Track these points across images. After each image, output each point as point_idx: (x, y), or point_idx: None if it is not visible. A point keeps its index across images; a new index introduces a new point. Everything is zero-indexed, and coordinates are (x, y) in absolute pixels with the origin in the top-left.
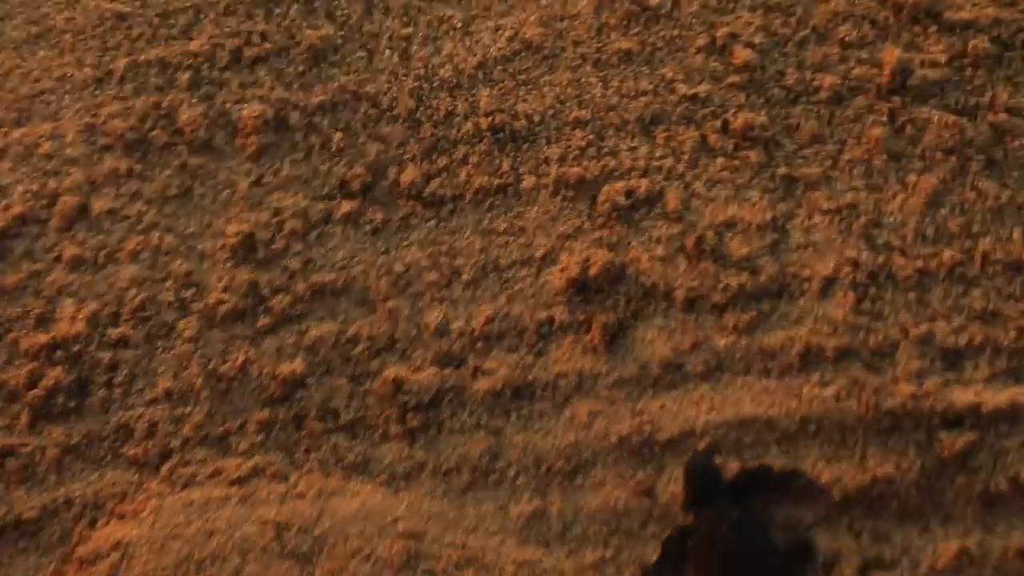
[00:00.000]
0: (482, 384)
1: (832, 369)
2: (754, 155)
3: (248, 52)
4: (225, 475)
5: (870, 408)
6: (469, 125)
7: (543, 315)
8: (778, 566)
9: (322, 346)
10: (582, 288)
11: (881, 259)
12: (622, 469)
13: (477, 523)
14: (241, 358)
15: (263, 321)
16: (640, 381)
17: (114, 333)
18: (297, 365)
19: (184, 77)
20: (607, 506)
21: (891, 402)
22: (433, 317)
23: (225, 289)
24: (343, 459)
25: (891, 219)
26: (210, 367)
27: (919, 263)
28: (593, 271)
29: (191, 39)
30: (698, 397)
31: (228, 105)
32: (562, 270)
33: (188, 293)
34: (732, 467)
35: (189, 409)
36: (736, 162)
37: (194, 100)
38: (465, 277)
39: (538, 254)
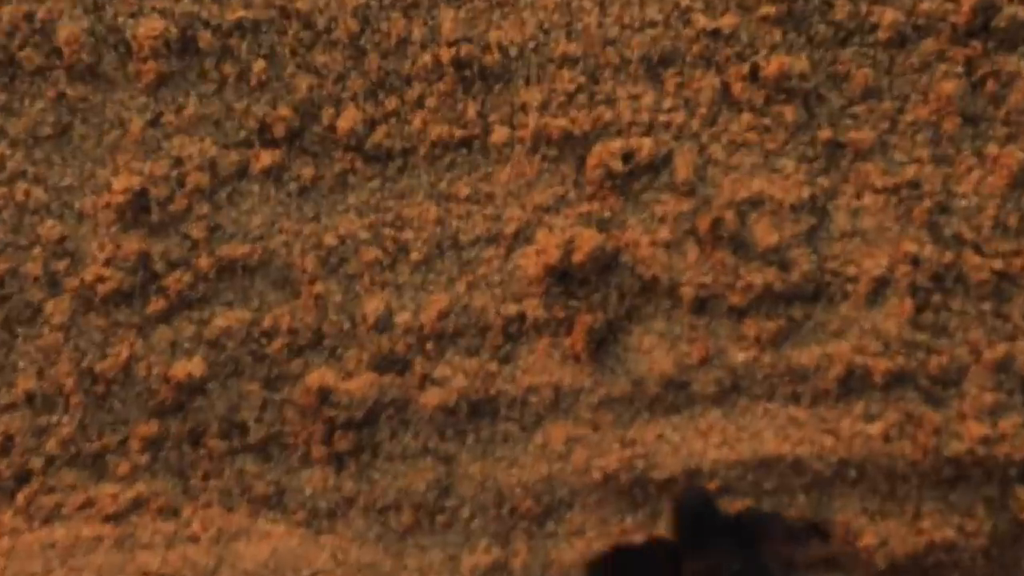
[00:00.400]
0: (431, 397)
1: (881, 399)
2: (790, 112)
3: None
4: (99, 508)
5: (928, 452)
6: (427, 57)
7: (512, 310)
8: None
9: (228, 340)
10: (563, 277)
11: (949, 256)
12: (606, 514)
13: None
14: (125, 353)
15: (155, 305)
16: (633, 401)
17: None
18: (196, 365)
19: None
20: (585, 560)
21: (955, 446)
22: (372, 307)
23: (107, 262)
24: (251, 489)
25: (963, 203)
26: (84, 364)
27: (998, 263)
28: (578, 256)
29: None
30: (706, 426)
31: (119, 19)
32: (538, 252)
33: (59, 265)
34: (736, 505)
35: (56, 418)
36: (766, 120)
37: (76, 11)
38: (415, 256)
39: (508, 230)
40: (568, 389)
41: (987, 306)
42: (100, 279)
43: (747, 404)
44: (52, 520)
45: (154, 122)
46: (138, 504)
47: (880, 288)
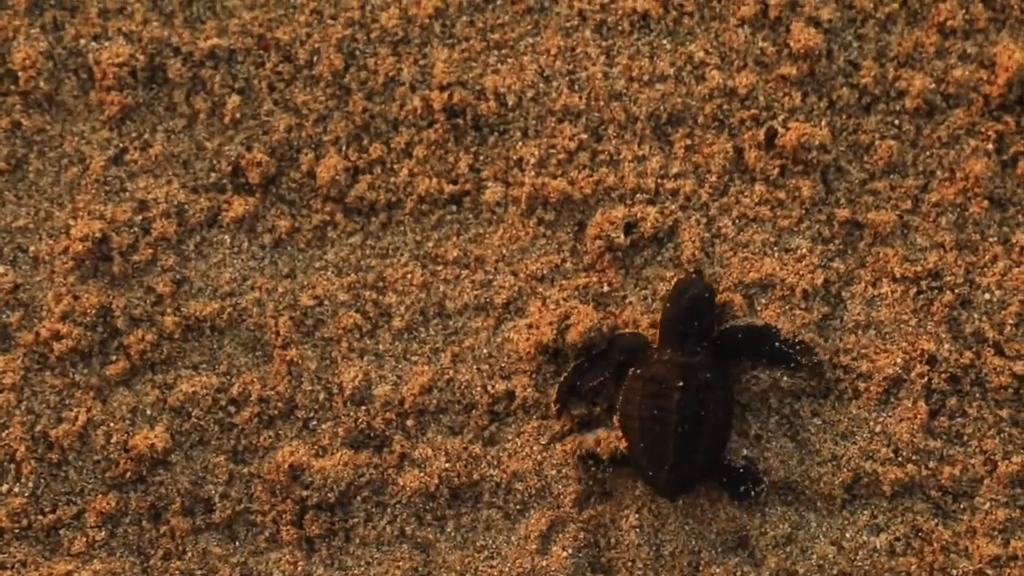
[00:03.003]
0: (410, 478)
1: (888, 509)
2: (806, 186)
3: None
4: None
5: (935, 570)
6: (416, 100)
7: (500, 387)
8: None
9: (194, 407)
10: (555, 356)
11: (969, 355)
12: None
13: None
14: (82, 418)
15: (115, 366)
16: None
17: None
18: (158, 433)
19: None
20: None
21: (964, 565)
22: (349, 377)
23: (64, 316)
24: (215, 571)
25: (986, 296)
26: (37, 428)
27: (1019, 366)
28: (572, 334)
29: None
30: None
31: (81, 42)
32: (530, 327)
33: (12, 317)
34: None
35: (6, 487)
36: (781, 193)
37: (33, 31)
38: (397, 322)
39: (499, 299)
40: (555, 477)
41: (1005, 413)
42: (56, 335)
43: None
44: None
45: (117, 159)
46: None
47: (894, 388)
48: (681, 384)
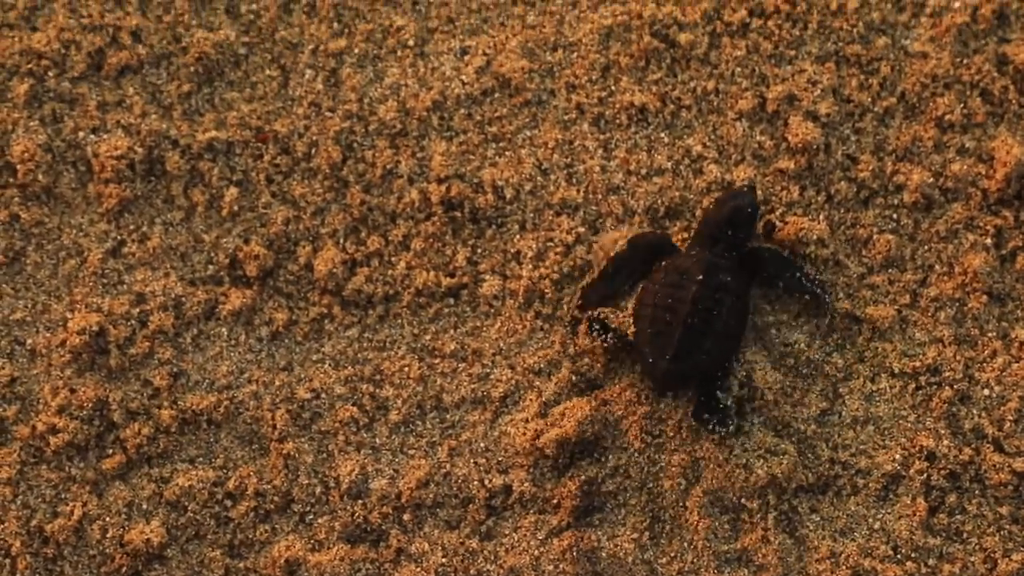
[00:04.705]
0: (407, 573)
1: None
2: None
3: (113, 57)
4: None
5: None
6: (414, 193)
7: (497, 481)
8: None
9: (190, 502)
10: (554, 449)
11: (968, 452)
12: None
13: None
14: (77, 512)
15: (111, 460)
16: None
17: None
18: (154, 528)
19: (20, 88)
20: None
21: None
22: (346, 470)
23: (61, 409)
24: None
25: (986, 392)
26: (33, 523)
27: (1019, 463)
28: (568, 427)
29: (33, 30)
30: None
31: (80, 134)
32: (527, 420)
33: (8, 411)
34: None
35: None
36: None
37: (32, 123)
38: (394, 416)
39: (496, 392)
40: (553, 572)
41: (1005, 510)
42: (52, 429)
43: None
44: None
45: (115, 252)
46: None
47: (892, 484)
48: (701, 278)
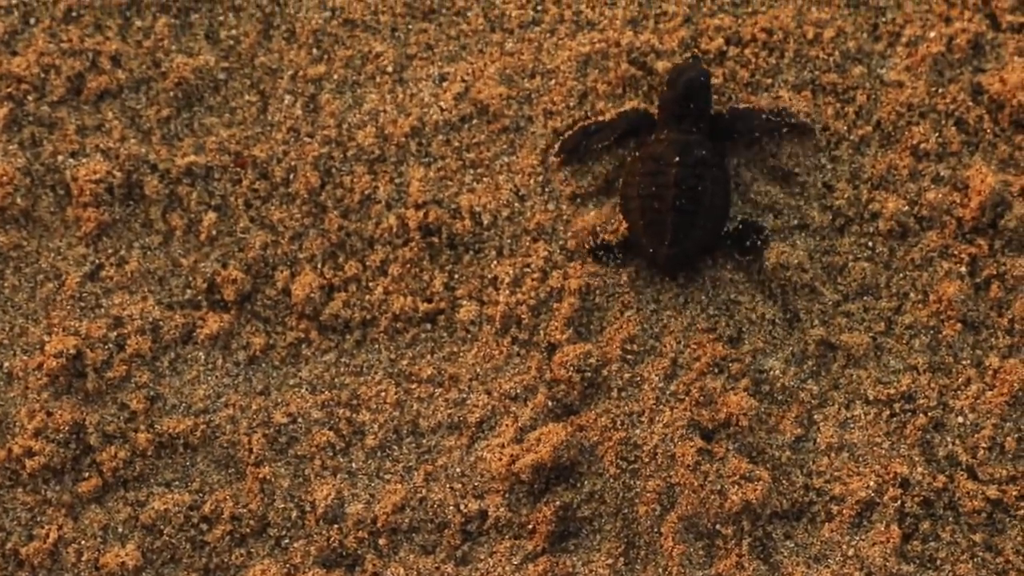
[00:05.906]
0: None
1: None
2: (774, 306)
3: (92, 82)
4: None
5: None
6: (392, 219)
7: (472, 506)
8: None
9: (166, 525)
10: (529, 474)
11: (942, 479)
12: None
13: None
14: (52, 535)
15: (87, 483)
16: None
17: None
18: (129, 552)
19: (0, 112)
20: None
21: None
22: (322, 495)
23: (37, 432)
24: None
25: (960, 420)
26: (8, 545)
27: (992, 490)
28: (544, 453)
29: (13, 54)
30: None
31: (58, 158)
32: (503, 446)
33: None
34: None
35: None
36: (753, 314)
37: (11, 147)
38: (370, 440)
39: (472, 417)
40: None
41: (979, 537)
42: (28, 451)
43: None
44: None
45: (93, 276)
46: None
47: (866, 511)
48: (678, 159)
